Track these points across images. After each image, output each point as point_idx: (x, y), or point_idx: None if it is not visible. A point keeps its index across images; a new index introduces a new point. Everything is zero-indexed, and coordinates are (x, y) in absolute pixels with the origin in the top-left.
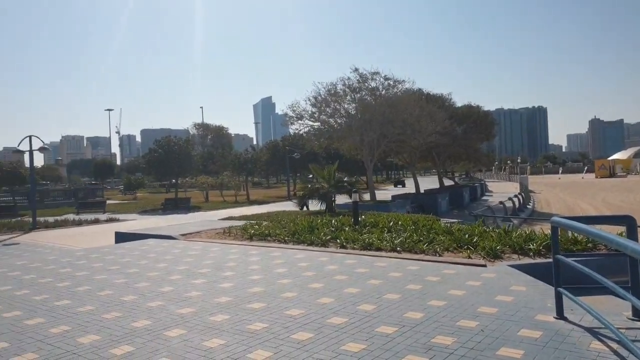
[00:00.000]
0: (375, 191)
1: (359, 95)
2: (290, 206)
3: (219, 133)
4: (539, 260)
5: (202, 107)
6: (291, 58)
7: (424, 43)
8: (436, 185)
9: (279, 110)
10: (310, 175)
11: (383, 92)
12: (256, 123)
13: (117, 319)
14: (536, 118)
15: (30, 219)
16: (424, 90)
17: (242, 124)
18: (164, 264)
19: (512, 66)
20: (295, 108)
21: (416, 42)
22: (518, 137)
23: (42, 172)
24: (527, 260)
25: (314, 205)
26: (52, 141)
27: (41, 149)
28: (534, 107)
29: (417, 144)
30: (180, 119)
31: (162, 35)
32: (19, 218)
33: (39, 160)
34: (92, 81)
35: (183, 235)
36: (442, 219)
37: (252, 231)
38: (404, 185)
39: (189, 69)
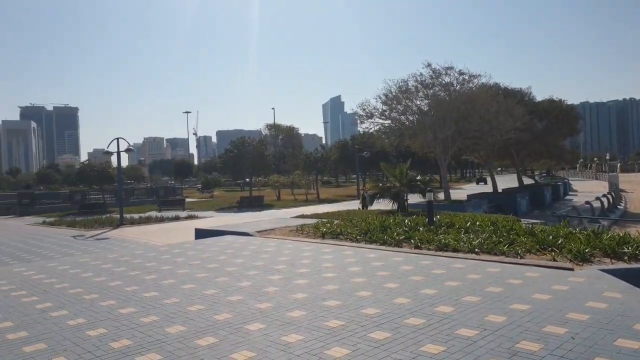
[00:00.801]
0: (450, 190)
1: (431, 91)
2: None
3: (290, 133)
4: (635, 265)
5: (273, 109)
6: (360, 57)
7: (502, 35)
8: (515, 184)
9: (348, 109)
10: (381, 173)
11: (457, 88)
12: (325, 123)
13: (200, 312)
14: (628, 111)
15: (118, 216)
16: (501, 85)
17: (311, 124)
18: (241, 259)
19: (600, 57)
20: (365, 107)
21: (493, 34)
22: (606, 133)
23: (127, 172)
24: (621, 265)
25: (384, 205)
26: (135, 143)
27: (127, 150)
28: (625, 99)
29: (494, 140)
30: (252, 120)
31: (231, 39)
32: (108, 215)
33: (124, 161)
34: (171, 85)
35: (258, 232)
36: (522, 220)
37: (324, 229)
38: (485, 183)
39: (260, 71)
